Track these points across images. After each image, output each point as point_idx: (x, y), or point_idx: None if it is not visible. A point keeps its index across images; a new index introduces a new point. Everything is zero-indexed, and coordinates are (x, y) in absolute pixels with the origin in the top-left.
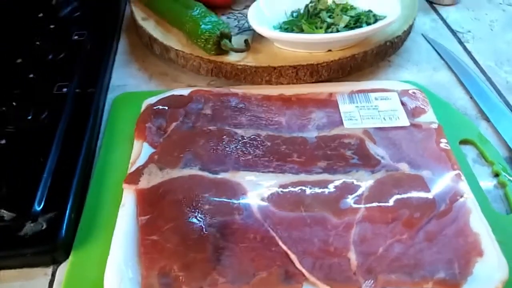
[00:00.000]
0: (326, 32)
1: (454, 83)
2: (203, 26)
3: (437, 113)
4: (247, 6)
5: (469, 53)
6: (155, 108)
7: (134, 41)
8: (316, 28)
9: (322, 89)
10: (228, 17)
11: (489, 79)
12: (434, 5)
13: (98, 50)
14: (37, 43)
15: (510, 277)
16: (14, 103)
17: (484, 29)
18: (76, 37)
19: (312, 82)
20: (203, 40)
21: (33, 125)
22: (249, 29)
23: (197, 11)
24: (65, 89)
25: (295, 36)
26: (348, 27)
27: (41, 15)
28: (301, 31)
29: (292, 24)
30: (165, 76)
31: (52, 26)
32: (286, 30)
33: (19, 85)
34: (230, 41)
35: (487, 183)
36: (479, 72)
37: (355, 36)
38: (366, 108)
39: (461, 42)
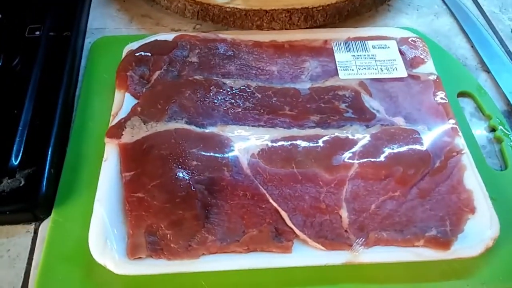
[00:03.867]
0: None
1: (455, 30)
2: None
3: (436, 63)
4: None
5: None
6: (136, 54)
7: None
8: None
9: (316, 35)
10: None
11: (492, 26)
12: None
13: None
14: None
15: (501, 234)
16: None
17: None
18: None
19: (307, 28)
20: None
21: (4, 73)
22: None
23: None
24: (37, 32)
25: None
26: None
27: None
28: None
29: None
30: (147, 19)
31: None
32: None
33: None
34: None
35: (483, 137)
36: (482, 18)
37: None
38: (363, 58)
39: None
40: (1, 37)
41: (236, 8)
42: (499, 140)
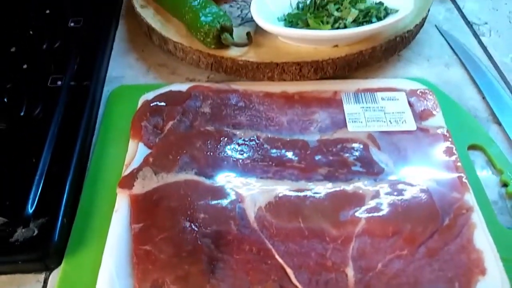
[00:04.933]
0: (332, 27)
1: (466, 81)
2: (202, 18)
3: (446, 114)
4: None
5: (484, 48)
6: (151, 105)
7: (134, 26)
8: (323, 23)
9: (326, 86)
10: (231, 6)
11: (503, 77)
12: None
13: (95, 39)
14: (31, 32)
15: None
16: (5, 99)
17: (502, 21)
18: (72, 24)
19: (317, 79)
20: (202, 34)
21: (25, 122)
22: (252, 20)
23: (197, 1)
24: (59, 82)
25: (300, 32)
26: (356, 21)
27: None
28: (307, 25)
29: (297, 18)
30: (164, 68)
31: (47, 11)
32: (291, 23)
33: (12, 77)
34: (231, 34)
35: (495, 193)
36: (494, 69)
37: (363, 33)
38: (372, 110)
39: (476, 35)
40: (25, 87)
41: (248, 61)
42: (510, 196)
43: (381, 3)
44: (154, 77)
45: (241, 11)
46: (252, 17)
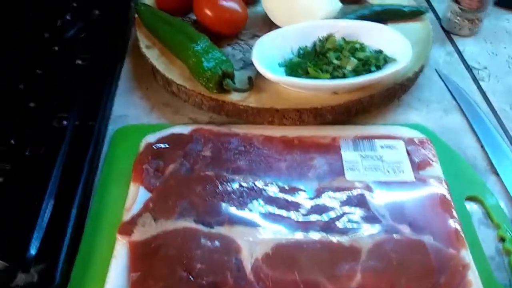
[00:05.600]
0: (332, 75)
1: (465, 128)
2: (205, 63)
3: (444, 164)
4: (255, 36)
5: (483, 93)
6: (153, 148)
7: (139, 64)
8: (322, 71)
9: (326, 132)
10: (233, 48)
11: (502, 125)
12: (451, 35)
13: (102, 78)
14: (39, 71)
15: None
16: (12, 141)
17: (502, 66)
18: (79, 61)
19: (316, 124)
20: (204, 79)
21: (30, 162)
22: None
23: (200, 45)
24: (65, 122)
25: (300, 82)
26: (356, 70)
27: (47, 35)
28: (306, 73)
29: (298, 66)
30: (167, 107)
31: (56, 48)
32: (291, 71)
33: (19, 115)
34: (232, 79)
35: (492, 248)
36: (493, 116)
37: (362, 83)
38: (370, 158)
39: (476, 80)
40: (31, 127)
41: (249, 106)
42: (508, 252)
43: (380, 51)
44: (158, 116)
45: (244, 54)
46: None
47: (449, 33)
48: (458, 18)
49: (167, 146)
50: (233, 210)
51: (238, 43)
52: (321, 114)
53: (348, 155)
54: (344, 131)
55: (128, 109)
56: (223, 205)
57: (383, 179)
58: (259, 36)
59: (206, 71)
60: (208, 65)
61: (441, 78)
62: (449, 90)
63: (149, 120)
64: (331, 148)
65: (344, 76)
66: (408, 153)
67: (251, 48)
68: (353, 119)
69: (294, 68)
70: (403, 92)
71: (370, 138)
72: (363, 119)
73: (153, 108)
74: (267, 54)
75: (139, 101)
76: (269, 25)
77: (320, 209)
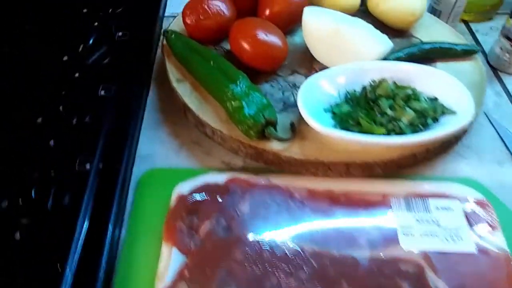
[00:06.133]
0: (386, 128)
1: None
2: (246, 109)
3: (503, 229)
4: (294, 71)
5: None
6: (187, 203)
7: (166, 94)
8: (375, 122)
9: (374, 187)
10: (271, 86)
11: None
12: (499, 73)
13: (126, 114)
14: (61, 107)
15: None
16: (33, 193)
17: None
18: (102, 92)
19: (364, 177)
20: (245, 126)
21: (50, 217)
22: (295, 104)
23: (240, 87)
24: (88, 165)
25: (353, 138)
26: (412, 124)
27: (65, 58)
28: (358, 124)
29: (348, 116)
30: (197, 147)
31: (77, 75)
32: (341, 120)
33: (38, 158)
34: (275, 127)
35: None
36: None
37: (422, 142)
38: (426, 222)
39: None
40: (52, 173)
41: (292, 157)
42: None
43: (435, 99)
44: (186, 156)
45: (283, 93)
46: (295, 101)
47: (496, 70)
48: (507, 55)
49: (201, 199)
50: (278, 282)
51: (276, 79)
52: (370, 168)
53: (401, 217)
54: (394, 187)
55: (154, 147)
56: (267, 275)
57: (441, 247)
58: (298, 73)
59: (248, 119)
60: (249, 112)
61: (491, 123)
62: (500, 137)
63: (177, 162)
64: (382, 207)
65: (400, 129)
66: (466, 216)
67: (290, 86)
68: (402, 170)
69: (344, 117)
70: (456, 143)
71: (423, 196)
72: (410, 170)
73: (182, 146)
74: (312, 98)
75: (167, 138)
76: (310, 59)
77: (374, 283)
